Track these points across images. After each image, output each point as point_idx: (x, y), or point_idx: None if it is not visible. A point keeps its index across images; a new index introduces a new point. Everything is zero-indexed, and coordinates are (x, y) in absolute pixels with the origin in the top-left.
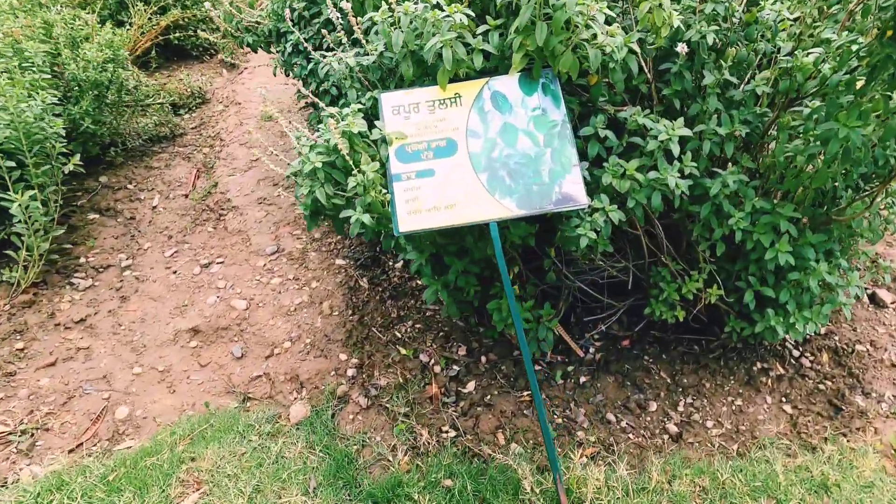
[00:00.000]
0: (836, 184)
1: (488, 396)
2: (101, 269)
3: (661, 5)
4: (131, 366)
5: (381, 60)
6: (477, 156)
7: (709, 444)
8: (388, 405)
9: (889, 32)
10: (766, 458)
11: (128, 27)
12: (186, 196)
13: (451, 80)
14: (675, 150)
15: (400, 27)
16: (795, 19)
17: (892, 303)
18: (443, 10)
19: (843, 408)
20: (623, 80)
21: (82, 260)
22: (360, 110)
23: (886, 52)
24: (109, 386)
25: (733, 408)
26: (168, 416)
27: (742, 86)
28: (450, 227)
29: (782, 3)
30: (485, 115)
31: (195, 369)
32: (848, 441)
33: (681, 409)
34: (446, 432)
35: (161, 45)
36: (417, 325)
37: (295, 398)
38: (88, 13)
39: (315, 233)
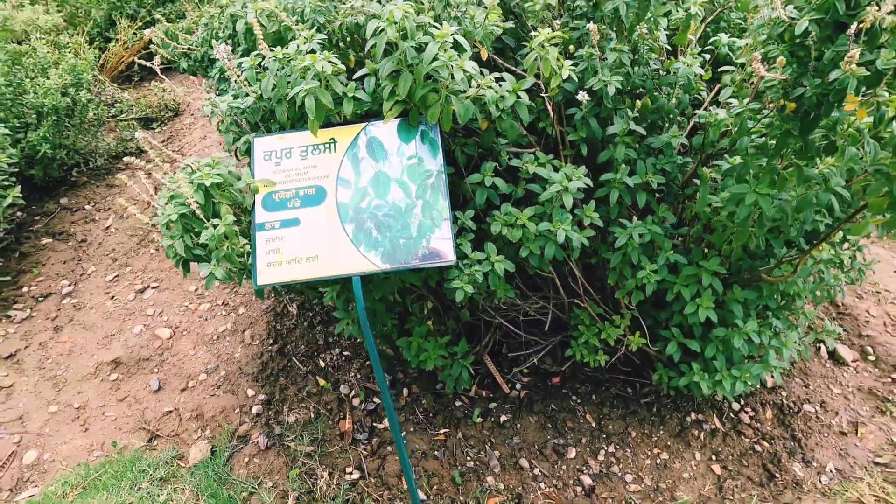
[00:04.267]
0: (767, 241)
1: (403, 434)
2: (41, 298)
3: (546, 57)
4: (49, 403)
5: (260, 103)
6: (345, 205)
7: (623, 502)
8: (291, 444)
9: (791, 105)
10: None
11: (114, 43)
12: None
13: (330, 125)
14: (569, 202)
15: (271, 72)
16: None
17: (853, 361)
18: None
19: (778, 475)
20: (513, 128)
21: (25, 289)
22: (216, 162)
23: (786, 128)
24: (24, 427)
25: (658, 461)
26: (77, 458)
27: (661, 134)
28: (310, 280)
29: (696, 58)
30: (358, 163)
31: (111, 404)
32: None
33: (601, 458)
34: (350, 474)
35: (146, 59)
36: (345, 353)
37: (198, 437)
38: (78, 33)
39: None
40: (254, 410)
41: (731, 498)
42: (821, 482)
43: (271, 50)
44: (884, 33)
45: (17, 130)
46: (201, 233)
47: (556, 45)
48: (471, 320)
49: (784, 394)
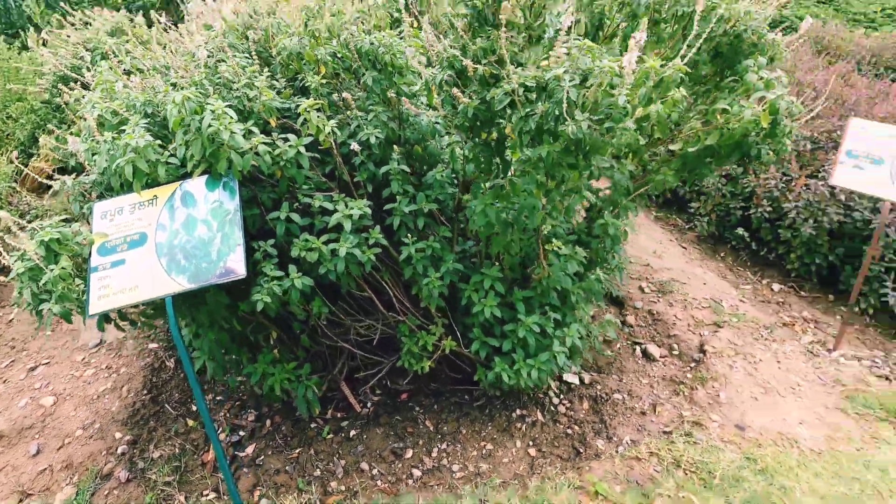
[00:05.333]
0: (532, 247)
1: (261, 458)
2: None
3: (309, 119)
4: None
5: (102, 177)
6: (162, 244)
7: (447, 486)
8: (153, 476)
9: (484, 134)
10: (479, 495)
11: (35, 158)
12: None
13: (157, 185)
14: (348, 226)
15: (103, 152)
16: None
17: (661, 357)
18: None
19: (583, 451)
20: (300, 174)
21: None
22: (57, 223)
23: (475, 151)
24: None
25: (483, 452)
26: None
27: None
28: (132, 304)
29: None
30: (174, 211)
31: None
32: (565, 479)
33: (434, 454)
34: (206, 496)
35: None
36: (218, 398)
37: (66, 484)
38: (2, 153)
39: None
40: (119, 450)
41: (540, 473)
42: (617, 451)
43: (102, 135)
44: (489, 79)
45: None
46: (41, 279)
47: (317, 109)
48: (313, 346)
49: (599, 387)
